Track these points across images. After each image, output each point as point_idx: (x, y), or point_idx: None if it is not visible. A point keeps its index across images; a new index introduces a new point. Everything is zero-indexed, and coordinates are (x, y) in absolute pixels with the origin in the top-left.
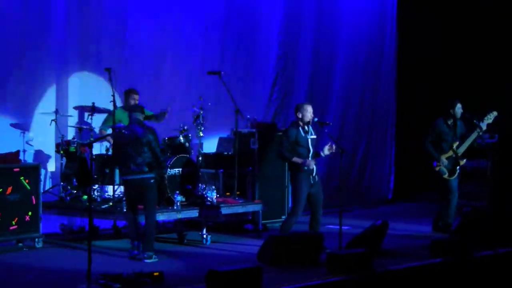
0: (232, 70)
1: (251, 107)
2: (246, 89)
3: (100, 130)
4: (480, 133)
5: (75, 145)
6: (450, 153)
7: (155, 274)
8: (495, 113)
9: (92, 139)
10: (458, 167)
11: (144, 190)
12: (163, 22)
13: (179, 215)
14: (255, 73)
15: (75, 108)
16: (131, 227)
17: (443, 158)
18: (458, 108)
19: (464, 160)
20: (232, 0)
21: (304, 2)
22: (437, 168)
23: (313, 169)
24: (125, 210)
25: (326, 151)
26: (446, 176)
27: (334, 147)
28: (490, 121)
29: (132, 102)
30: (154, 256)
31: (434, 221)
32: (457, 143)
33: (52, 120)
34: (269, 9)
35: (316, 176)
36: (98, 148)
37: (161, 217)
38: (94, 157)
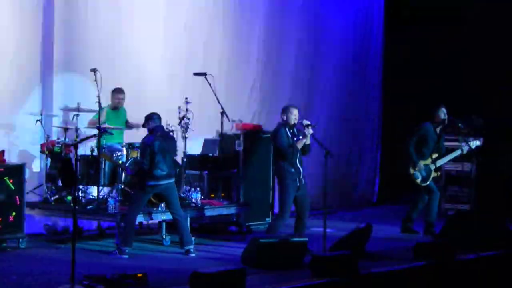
0: (215, 71)
1: (232, 109)
2: (228, 91)
3: (89, 122)
4: (461, 153)
5: (60, 145)
6: (428, 161)
7: (139, 275)
8: (478, 142)
9: (77, 139)
10: (431, 177)
11: None
12: (149, 23)
13: (163, 217)
14: (236, 75)
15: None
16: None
17: (421, 164)
18: (441, 112)
19: (439, 173)
20: (216, 2)
21: (287, 3)
22: (412, 171)
23: (299, 171)
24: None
25: (307, 130)
26: (418, 180)
27: (307, 122)
28: (473, 147)
29: (116, 101)
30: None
31: (402, 222)
32: (436, 155)
33: (37, 120)
34: (252, 10)
35: (303, 179)
36: (83, 149)
37: (142, 219)
38: (79, 157)
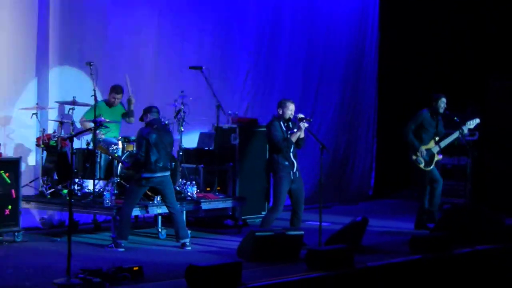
0: (208, 65)
1: (225, 102)
2: (220, 84)
3: (82, 121)
4: (461, 135)
5: (56, 139)
6: (430, 145)
7: (135, 268)
8: (477, 120)
9: (72, 133)
10: (434, 161)
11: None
12: (143, 17)
13: (159, 210)
14: (229, 69)
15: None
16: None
17: (423, 149)
18: (442, 102)
19: (441, 156)
20: None
21: None
22: (414, 157)
23: (293, 165)
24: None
25: (302, 123)
26: (421, 165)
27: (301, 116)
28: (471, 126)
29: (112, 100)
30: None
31: (417, 217)
32: (438, 138)
33: (33, 113)
34: (245, 2)
35: (297, 172)
36: (79, 142)
37: (139, 212)
38: (74, 151)
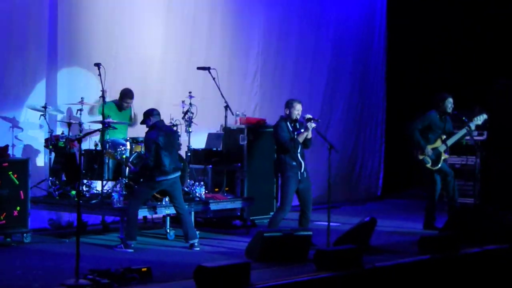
0: (216, 65)
1: (233, 103)
2: (229, 85)
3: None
4: (468, 132)
5: (64, 140)
6: (437, 144)
7: (143, 269)
8: (485, 116)
9: (81, 134)
10: (441, 159)
11: None
12: (152, 18)
13: (167, 211)
14: (237, 69)
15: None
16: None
17: (429, 148)
18: (449, 102)
19: (447, 155)
20: None
21: None
22: (421, 157)
23: (301, 165)
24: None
25: (309, 124)
26: (428, 165)
27: (309, 116)
28: (479, 122)
29: (125, 105)
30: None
31: (425, 218)
32: (444, 137)
33: (41, 115)
34: (253, 3)
35: (305, 172)
36: (87, 143)
37: (147, 213)
38: (83, 152)
